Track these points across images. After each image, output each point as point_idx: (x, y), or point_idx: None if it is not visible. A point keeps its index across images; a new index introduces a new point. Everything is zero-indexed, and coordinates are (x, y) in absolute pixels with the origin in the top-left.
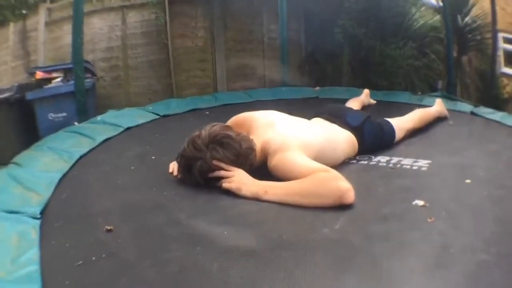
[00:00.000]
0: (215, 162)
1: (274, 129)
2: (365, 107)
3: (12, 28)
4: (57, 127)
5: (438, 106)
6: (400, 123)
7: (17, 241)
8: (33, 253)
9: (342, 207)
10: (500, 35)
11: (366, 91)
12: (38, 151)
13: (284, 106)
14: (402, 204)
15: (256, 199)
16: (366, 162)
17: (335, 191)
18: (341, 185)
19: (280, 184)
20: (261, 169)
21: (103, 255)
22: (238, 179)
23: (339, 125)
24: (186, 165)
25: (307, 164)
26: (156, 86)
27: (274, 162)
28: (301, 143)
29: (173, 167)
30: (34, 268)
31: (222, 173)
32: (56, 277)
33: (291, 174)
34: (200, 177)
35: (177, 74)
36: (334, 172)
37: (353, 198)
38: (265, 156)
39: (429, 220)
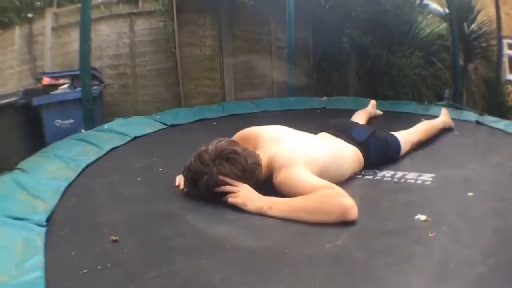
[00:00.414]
0: (221, 177)
1: (280, 145)
2: (372, 118)
3: (18, 32)
4: (63, 133)
5: (443, 117)
6: (406, 137)
7: (22, 247)
8: (38, 260)
9: (345, 223)
10: (505, 41)
11: (373, 102)
12: (45, 158)
13: (291, 117)
14: (405, 219)
15: (261, 214)
16: (371, 177)
17: (339, 208)
18: (344, 202)
19: (284, 200)
20: (267, 184)
21: (108, 265)
22: (244, 194)
23: (344, 140)
24: (192, 179)
25: (312, 181)
26: (164, 94)
27: (280, 178)
28: (306, 159)
29: (180, 180)
30: (38, 274)
31: (227, 188)
32: (60, 284)
33: (296, 190)
34: (206, 192)
35: (185, 83)
36: (338, 189)
37: (356, 214)
38: (270, 171)
39: (430, 234)
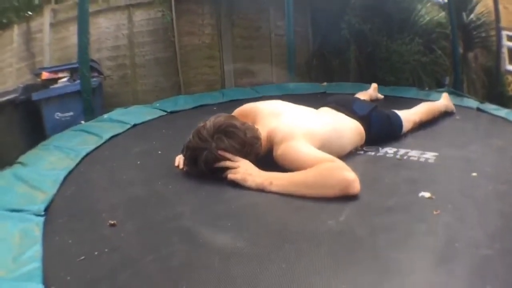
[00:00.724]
0: (220, 152)
1: (280, 119)
2: (373, 102)
3: (16, 30)
4: (64, 126)
5: (445, 100)
6: (408, 115)
7: (20, 239)
8: (36, 251)
9: (347, 198)
10: (504, 33)
11: (374, 85)
12: (45, 150)
13: (291, 101)
14: (408, 196)
15: (261, 190)
16: (373, 153)
17: (341, 182)
18: (346, 175)
19: (285, 175)
20: (267, 159)
21: (106, 250)
22: (244, 169)
23: (346, 114)
24: (191, 156)
25: (313, 154)
26: (163, 83)
27: (280, 151)
28: (306, 132)
29: (179, 160)
30: (35, 265)
31: (227, 163)
32: (57, 273)
33: (297, 163)
34: (205, 168)
35: (185, 71)
36: (339, 162)
37: (358, 188)
38: (270, 146)
39: (435, 212)
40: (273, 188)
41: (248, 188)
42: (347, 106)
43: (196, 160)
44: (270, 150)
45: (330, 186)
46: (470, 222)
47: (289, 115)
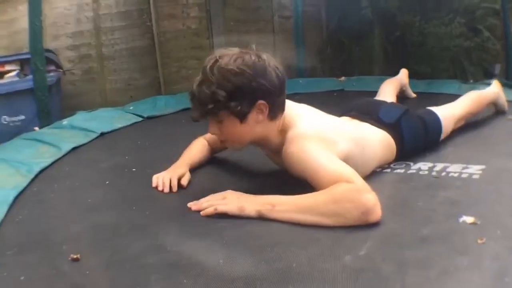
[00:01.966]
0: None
1: (301, 118)
2: (404, 100)
3: None
4: (12, 133)
5: (495, 88)
6: (448, 112)
7: None
8: None
9: (369, 226)
10: None
11: (404, 71)
12: None
13: (301, 101)
14: (447, 222)
15: (262, 218)
16: (403, 170)
17: (358, 207)
18: (365, 200)
19: (289, 199)
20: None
21: None
22: (235, 198)
23: (371, 124)
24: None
25: (332, 165)
26: (139, 80)
27: (293, 149)
28: (330, 140)
29: (158, 179)
30: None
31: (211, 202)
32: None
33: (309, 171)
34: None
35: (165, 65)
36: (359, 182)
37: (379, 214)
38: (281, 140)
39: (479, 241)
40: (276, 215)
41: (247, 218)
42: (371, 113)
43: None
44: (278, 145)
45: (345, 214)
46: None
47: (313, 117)
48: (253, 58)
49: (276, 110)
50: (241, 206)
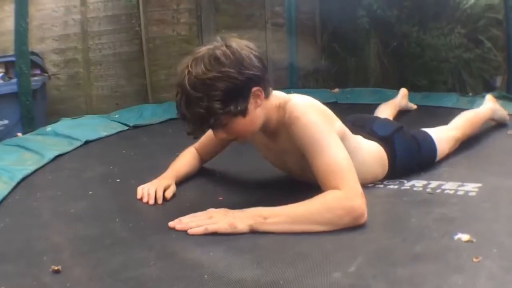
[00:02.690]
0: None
1: (296, 94)
2: (401, 114)
3: None
4: None
5: (489, 103)
6: (443, 134)
7: None
8: None
9: (360, 243)
10: None
11: (404, 91)
12: None
13: None
14: (441, 240)
15: (254, 232)
16: (396, 186)
17: (350, 214)
18: (357, 206)
19: (280, 210)
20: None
21: None
22: (222, 215)
23: (364, 136)
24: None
25: (334, 152)
26: (125, 87)
27: (297, 113)
28: (329, 114)
29: (143, 191)
30: None
31: (197, 221)
32: None
33: (312, 147)
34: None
35: (153, 72)
36: (351, 183)
37: (366, 218)
38: (279, 118)
39: (475, 260)
40: (269, 227)
41: (239, 234)
42: (365, 126)
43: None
44: (277, 123)
45: (338, 221)
46: None
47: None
48: (223, 50)
49: (267, 86)
50: (232, 223)
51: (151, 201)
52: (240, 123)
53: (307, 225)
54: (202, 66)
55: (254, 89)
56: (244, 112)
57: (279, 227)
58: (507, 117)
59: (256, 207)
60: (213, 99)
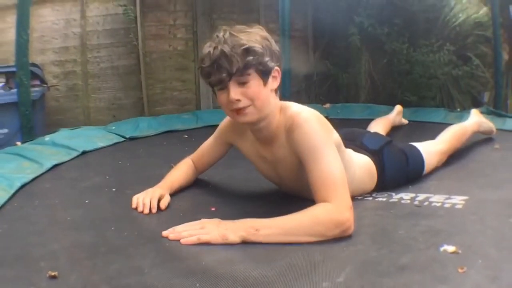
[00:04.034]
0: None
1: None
2: (392, 128)
3: None
4: None
5: (475, 117)
6: (430, 148)
7: None
8: None
9: (348, 254)
10: None
11: (399, 108)
12: None
13: None
14: (427, 251)
15: (246, 242)
16: (384, 199)
17: (339, 227)
18: (345, 219)
19: (273, 222)
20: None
21: None
22: (214, 225)
23: (354, 149)
24: None
25: (333, 165)
26: (122, 100)
27: (300, 120)
28: (328, 125)
29: (139, 200)
30: None
31: (190, 231)
32: None
33: (311, 156)
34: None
35: (150, 85)
36: (342, 198)
37: (352, 230)
38: (278, 122)
39: (460, 270)
40: (261, 239)
41: (231, 244)
42: (355, 140)
43: None
44: (276, 127)
45: (327, 233)
46: (507, 281)
47: None
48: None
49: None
50: (224, 234)
51: (146, 211)
52: (259, 87)
53: (298, 237)
54: (238, 28)
55: (276, 67)
56: (267, 77)
57: (271, 238)
58: (494, 129)
59: (248, 219)
60: (256, 43)
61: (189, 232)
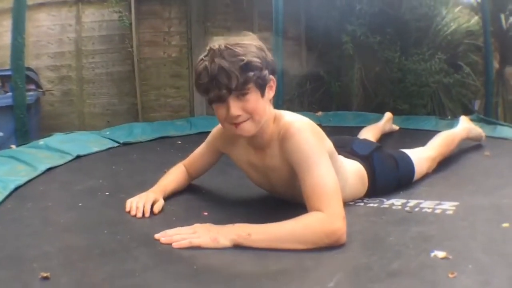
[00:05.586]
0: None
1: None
2: (383, 135)
3: None
4: None
5: (464, 123)
6: (420, 155)
7: None
8: None
9: (339, 260)
10: None
11: (388, 115)
12: None
13: None
14: (418, 257)
15: (238, 246)
16: (376, 205)
17: (330, 237)
18: (337, 229)
19: (265, 228)
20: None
21: None
22: (205, 230)
23: (345, 156)
24: None
25: (326, 175)
26: (117, 105)
27: (294, 130)
28: (321, 133)
29: (132, 204)
30: None
31: (182, 235)
32: None
33: (304, 166)
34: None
35: (144, 92)
36: (334, 207)
37: (344, 239)
38: (272, 132)
39: (450, 275)
40: (253, 244)
41: (223, 248)
42: (345, 146)
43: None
44: (270, 136)
45: (319, 242)
46: (497, 285)
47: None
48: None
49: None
50: (215, 238)
51: (139, 214)
52: (258, 100)
53: (289, 244)
54: (233, 40)
55: (271, 77)
56: (264, 90)
57: (262, 244)
58: (483, 135)
59: (240, 224)
60: (253, 55)
61: (181, 235)
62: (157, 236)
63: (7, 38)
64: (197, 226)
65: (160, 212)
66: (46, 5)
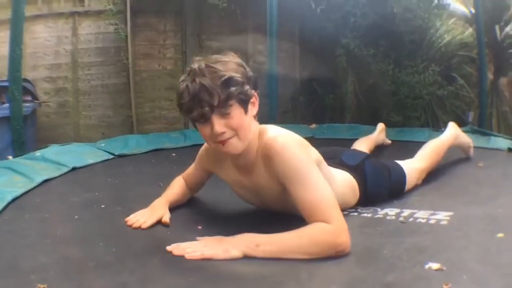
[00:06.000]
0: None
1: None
2: (376, 147)
3: None
4: None
5: (452, 129)
6: (410, 165)
7: None
8: None
9: (334, 273)
10: None
11: (381, 126)
12: None
13: None
14: (412, 269)
15: (247, 257)
16: (369, 215)
17: (335, 249)
18: (341, 241)
19: (272, 239)
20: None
21: None
22: (216, 242)
23: (334, 167)
24: None
25: (319, 189)
26: (112, 117)
27: (277, 147)
28: (306, 144)
29: (137, 218)
30: None
31: (189, 248)
32: None
33: (295, 182)
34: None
35: (139, 104)
36: (336, 219)
37: (348, 249)
38: (257, 149)
39: (445, 286)
40: (261, 254)
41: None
42: (335, 158)
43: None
44: (255, 154)
45: (323, 253)
46: None
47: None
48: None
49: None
50: (226, 249)
51: (135, 225)
52: (241, 117)
53: (295, 255)
54: (214, 57)
55: (253, 92)
56: (247, 104)
57: (269, 255)
58: (471, 145)
59: (247, 234)
60: (233, 72)
61: (192, 248)
62: (169, 248)
63: (4, 50)
64: (207, 240)
65: (153, 226)
66: (43, 17)
